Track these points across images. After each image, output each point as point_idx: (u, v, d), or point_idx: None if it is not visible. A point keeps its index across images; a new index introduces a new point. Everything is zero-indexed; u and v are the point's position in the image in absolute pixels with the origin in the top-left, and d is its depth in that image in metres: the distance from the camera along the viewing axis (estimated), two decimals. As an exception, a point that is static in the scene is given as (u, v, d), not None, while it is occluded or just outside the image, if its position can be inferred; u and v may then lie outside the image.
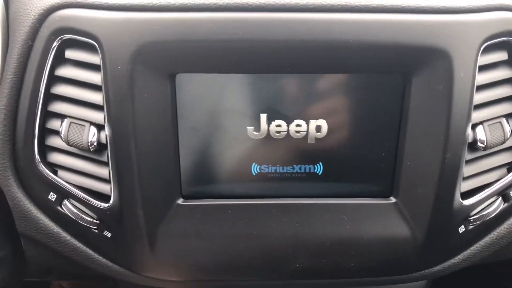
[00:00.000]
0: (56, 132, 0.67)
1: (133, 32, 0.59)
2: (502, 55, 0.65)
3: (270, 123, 0.66)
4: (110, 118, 0.62)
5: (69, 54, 0.63)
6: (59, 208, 0.70)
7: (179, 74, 0.63)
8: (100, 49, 0.60)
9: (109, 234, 0.70)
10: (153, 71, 0.61)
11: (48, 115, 0.67)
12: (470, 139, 0.66)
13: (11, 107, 0.66)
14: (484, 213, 0.71)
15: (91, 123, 0.64)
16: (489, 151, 0.68)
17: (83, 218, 0.69)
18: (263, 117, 0.65)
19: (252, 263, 0.73)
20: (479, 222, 0.71)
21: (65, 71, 0.64)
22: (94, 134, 0.64)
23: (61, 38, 0.62)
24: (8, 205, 0.72)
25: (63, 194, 0.69)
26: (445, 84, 0.62)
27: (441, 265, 0.77)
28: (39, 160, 0.68)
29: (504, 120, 0.67)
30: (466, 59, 0.61)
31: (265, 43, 0.59)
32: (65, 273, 0.85)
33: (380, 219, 0.71)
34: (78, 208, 0.70)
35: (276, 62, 0.61)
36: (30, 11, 0.63)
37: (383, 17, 0.60)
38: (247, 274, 0.76)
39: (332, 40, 0.59)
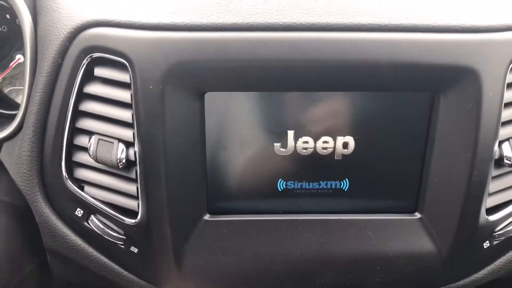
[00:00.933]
0: (84, 149, 0.67)
1: (164, 51, 0.59)
2: None
3: (297, 140, 0.66)
4: (140, 135, 0.63)
5: (99, 72, 0.64)
6: (85, 223, 0.71)
7: (208, 92, 0.63)
8: (130, 68, 0.61)
9: (136, 250, 0.71)
10: (183, 90, 0.61)
11: (76, 131, 0.67)
12: (496, 155, 0.66)
13: (40, 124, 0.67)
14: (509, 228, 0.71)
15: (120, 140, 0.65)
16: (515, 167, 0.68)
17: (110, 233, 0.70)
18: (290, 133, 0.66)
19: (277, 279, 0.73)
20: (504, 237, 0.72)
21: (94, 89, 0.64)
22: (123, 151, 0.65)
23: (91, 56, 0.63)
24: (35, 221, 0.72)
25: (90, 209, 0.70)
26: (474, 102, 0.62)
27: (465, 280, 0.77)
28: (66, 176, 0.68)
29: (530, 136, 0.67)
30: (495, 77, 0.62)
31: (296, 62, 0.60)
32: (88, 287, 0.85)
33: (406, 234, 0.71)
34: (105, 224, 0.70)
35: (306, 81, 0.61)
36: (60, 29, 0.63)
37: (412, 37, 0.60)
38: (273, 290, 0.76)
39: (362, 60, 0.60)
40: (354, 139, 0.66)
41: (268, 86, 0.62)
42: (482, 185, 0.66)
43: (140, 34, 0.60)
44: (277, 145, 0.66)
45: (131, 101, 0.62)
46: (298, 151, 0.66)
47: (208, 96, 0.63)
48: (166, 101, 0.61)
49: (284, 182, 0.69)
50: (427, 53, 0.60)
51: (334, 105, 0.65)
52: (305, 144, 0.66)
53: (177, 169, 0.65)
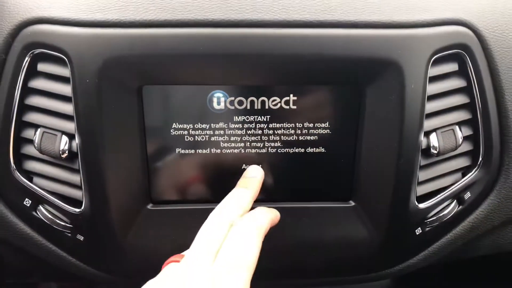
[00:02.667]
0: (30, 141, 0.70)
1: (99, 47, 0.62)
2: (453, 66, 0.69)
3: (234, 131, 0.70)
4: (80, 128, 0.66)
5: (41, 67, 0.66)
6: (34, 213, 0.73)
7: (145, 86, 0.66)
8: (69, 63, 0.63)
9: (81, 238, 0.74)
10: (120, 84, 0.64)
11: (22, 125, 0.70)
12: (424, 145, 0.69)
13: None
14: (440, 215, 0.75)
15: (63, 133, 0.68)
16: (443, 157, 0.72)
17: (57, 222, 0.72)
18: (227, 126, 0.69)
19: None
20: (435, 224, 0.75)
21: (37, 83, 0.67)
22: (66, 143, 0.68)
23: (33, 52, 0.65)
24: (-16, 211, 0.75)
25: (38, 200, 0.72)
26: (397, 94, 0.65)
27: (400, 265, 0.81)
28: (15, 167, 0.71)
29: (456, 128, 0.71)
30: (416, 71, 0.65)
31: (224, 57, 0.63)
32: (46, 276, 0.88)
33: (341, 222, 0.74)
34: (52, 213, 0.73)
35: (234, 75, 0.65)
36: (3, 26, 0.66)
37: (337, 32, 0.63)
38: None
39: (288, 55, 0.63)
40: (291, 130, 0.69)
41: (200, 79, 0.66)
42: (410, 173, 0.69)
43: (76, 31, 0.63)
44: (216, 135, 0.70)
45: (72, 95, 0.65)
46: (239, 142, 0.70)
47: (147, 89, 0.66)
48: (103, 95, 0.64)
49: (226, 171, 0.72)
50: (351, 48, 0.63)
51: (269, 98, 0.68)
52: (245, 131, 0.70)
53: (117, 160, 0.68)
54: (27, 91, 0.68)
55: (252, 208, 0.66)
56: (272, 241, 0.74)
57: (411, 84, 0.65)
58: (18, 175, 0.71)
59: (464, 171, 0.75)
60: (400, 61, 0.64)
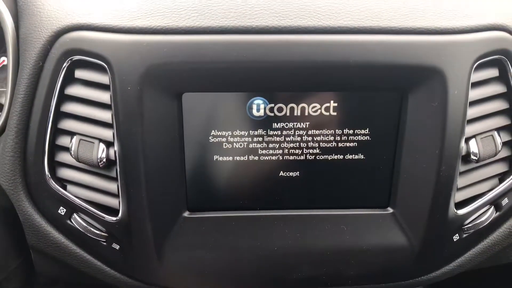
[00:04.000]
0: (66, 149, 0.69)
1: (141, 54, 0.61)
2: (493, 72, 0.68)
3: (274, 139, 0.69)
4: (119, 135, 0.65)
5: (79, 74, 0.66)
6: (68, 222, 0.73)
7: (185, 93, 0.65)
8: (109, 70, 0.63)
9: (117, 247, 0.73)
10: (160, 91, 0.63)
11: (58, 132, 0.69)
12: (463, 152, 0.69)
13: (22, 125, 0.68)
14: (477, 221, 0.74)
15: (100, 140, 0.67)
16: (482, 163, 0.71)
17: (92, 231, 0.72)
18: (267, 132, 0.69)
19: (255, 273, 0.76)
20: (473, 230, 0.75)
21: (74, 90, 0.66)
22: (103, 150, 0.67)
23: (71, 59, 0.65)
24: (19, 220, 0.74)
25: (73, 208, 0.72)
26: (440, 101, 0.65)
27: (436, 272, 0.80)
28: (49, 175, 0.70)
29: (495, 133, 0.70)
30: (459, 77, 0.64)
31: (268, 64, 0.62)
32: (72, 284, 0.87)
33: (378, 229, 0.74)
34: (87, 221, 0.72)
35: (279, 82, 0.64)
36: (41, 32, 0.65)
37: (380, 38, 0.63)
38: (252, 284, 0.78)
39: (332, 61, 0.62)
40: (329, 137, 0.69)
41: (242, 86, 0.65)
42: (450, 180, 0.69)
43: (117, 37, 0.62)
44: (256, 142, 0.69)
45: (111, 102, 0.64)
46: (276, 149, 0.69)
47: (186, 96, 0.66)
48: (144, 102, 0.63)
49: (263, 179, 0.71)
50: (394, 54, 0.63)
51: (306, 105, 0.67)
52: (284, 140, 0.69)
53: (156, 167, 0.67)
54: (64, 98, 0.67)
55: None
56: (310, 249, 0.73)
57: (454, 90, 0.64)
58: (53, 183, 0.70)
59: (502, 176, 0.75)
60: (444, 67, 0.63)
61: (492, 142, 0.70)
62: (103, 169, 0.68)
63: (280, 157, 0.70)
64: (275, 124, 0.68)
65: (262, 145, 0.69)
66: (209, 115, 0.67)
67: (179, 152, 0.68)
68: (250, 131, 0.69)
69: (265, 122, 0.68)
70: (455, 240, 0.75)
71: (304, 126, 0.69)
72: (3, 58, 0.77)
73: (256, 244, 0.73)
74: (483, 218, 0.74)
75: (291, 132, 0.69)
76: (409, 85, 0.65)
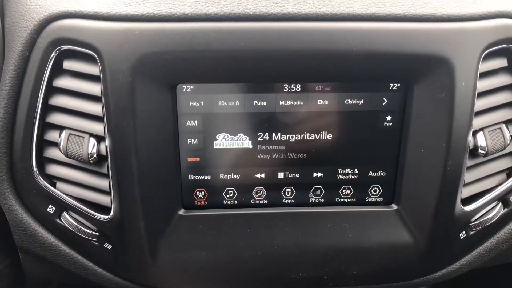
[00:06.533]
0: (55, 144, 0.66)
1: (133, 42, 0.58)
2: (502, 62, 0.65)
3: (272, 135, 0.66)
4: (110, 129, 0.62)
5: (67, 64, 0.62)
6: (58, 220, 0.69)
7: (179, 84, 0.62)
8: (100, 60, 0.59)
9: (109, 246, 0.70)
10: (153, 82, 0.60)
11: (46, 126, 0.66)
12: (471, 145, 0.66)
13: (8, 118, 0.65)
14: (485, 218, 0.71)
15: (91, 135, 0.64)
16: (490, 157, 0.68)
17: (83, 230, 0.68)
18: (267, 127, 0.65)
19: (254, 272, 0.73)
20: (480, 227, 0.72)
21: (63, 82, 0.63)
22: (94, 145, 0.63)
23: (59, 48, 0.61)
24: (5, 219, 0.71)
25: (62, 206, 0.68)
26: (447, 91, 0.62)
27: (442, 271, 0.77)
28: (37, 172, 0.67)
29: (504, 126, 0.67)
30: (467, 66, 0.62)
31: (267, 52, 0.59)
32: (64, 285, 0.84)
33: (382, 226, 0.71)
34: (78, 220, 0.69)
35: (278, 71, 0.61)
36: (27, 21, 0.62)
37: (384, 26, 0.60)
38: (250, 284, 0.75)
39: (333, 50, 0.59)
40: (330, 131, 0.66)
41: (239, 77, 0.62)
42: (457, 175, 0.66)
43: (108, 25, 0.59)
44: (253, 138, 0.66)
45: (101, 94, 0.61)
46: (275, 145, 0.66)
47: (181, 88, 0.63)
48: (136, 94, 0.60)
49: (261, 175, 0.69)
50: (399, 43, 0.60)
51: (309, 100, 0.64)
52: (283, 137, 0.66)
53: (149, 163, 0.64)
54: (52, 90, 0.64)
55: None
56: (310, 248, 0.70)
57: (462, 81, 0.62)
58: (41, 180, 0.67)
59: (509, 172, 0.72)
60: (451, 56, 0.60)
61: (501, 135, 0.67)
62: (93, 165, 0.65)
63: (280, 153, 0.67)
64: (275, 118, 0.65)
65: (261, 139, 0.66)
66: (205, 108, 0.64)
67: (173, 147, 0.65)
68: (250, 125, 0.65)
69: (265, 116, 0.65)
70: (461, 237, 0.72)
71: (305, 121, 0.66)
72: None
73: (254, 242, 0.70)
74: (490, 215, 0.71)
75: (292, 128, 0.66)
76: (414, 76, 0.62)
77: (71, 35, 0.60)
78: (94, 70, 0.61)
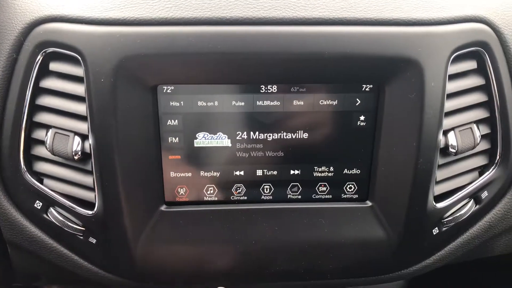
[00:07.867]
0: (41, 142, 0.68)
1: (114, 45, 0.61)
2: (471, 64, 0.68)
3: (252, 133, 0.68)
4: (93, 128, 0.64)
5: (53, 66, 0.65)
6: (44, 215, 0.72)
7: (160, 85, 0.65)
8: (83, 62, 0.62)
9: (94, 241, 0.72)
10: (134, 83, 0.63)
11: (33, 125, 0.68)
12: (442, 144, 0.68)
13: None
14: (457, 215, 0.74)
15: (76, 133, 0.66)
16: (461, 155, 0.71)
17: (69, 225, 0.71)
18: (246, 125, 0.68)
19: (233, 267, 0.75)
20: (452, 224, 0.74)
21: (49, 83, 0.66)
22: (79, 143, 0.66)
23: (45, 51, 0.64)
24: (-5, 215, 0.73)
25: (49, 202, 0.71)
26: (417, 92, 0.64)
27: (416, 266, 0.80)
28: (25, 169, 0.69)
29: (474, 126, 0.70)
30: (436, 68, 0.64)
31: (243, 54, 0.62)
32: (53, 279, 0.86)
33: (357, 222, 0.73)
34: (64, 215, 0.71)
35: (254, 73, 0.64)
36: (14, 24, 0.64)
37: (356, 30, 0.62)
38: (229, 278, 0.78)
39: (307, 52, 0.62)
40: (305, 131, 0.68)
41: (216, 78, 0.64)
42: (428, 173, 0.69)
43: (91, 29, 0.61)
44: (232, 137, 0.68)
45: (85, 94, 0.64)
46: (253, 144, 0.69)
47: (161, 88, 0.65)
48: (118, 94, 0.62)
49: (239, 173, 0.71)
50: (370, 46, 0.62)
51: (282, 99, 0.67)
52: (261, 136, 0.68)
53: (131, 161, 0.66)
54: (39, 91, 0.67)
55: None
56: (288, 243, 0.73)
57: (431, 82, 0.64)
58: (28, 177, 0.69)
59: (481, 170, 0.74)
60: (421, 58, 0.63)
61: (471, 135, 0.69)
62: (78, 162, 0.68)
63: (258, 151, 0.70)
64: (253, 118, 0.68)
65: (239, 138, 0.69)
66: (185, 108, 0.67)
67: (155, 145, 0.68)
68: (228, 124, 0.68)
69: (243, 116, 0.68)
70: (434, 233, 0.75)
71: (281, 121, 0.68)
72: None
73: (234, 237, 0.72)
74: (462, 211, 0.74)
75: (269, 127, 0.68)
76: (385, 77, 0.65)
77: (56, 38, 0.63)
78: (79, 71, 0.64)
